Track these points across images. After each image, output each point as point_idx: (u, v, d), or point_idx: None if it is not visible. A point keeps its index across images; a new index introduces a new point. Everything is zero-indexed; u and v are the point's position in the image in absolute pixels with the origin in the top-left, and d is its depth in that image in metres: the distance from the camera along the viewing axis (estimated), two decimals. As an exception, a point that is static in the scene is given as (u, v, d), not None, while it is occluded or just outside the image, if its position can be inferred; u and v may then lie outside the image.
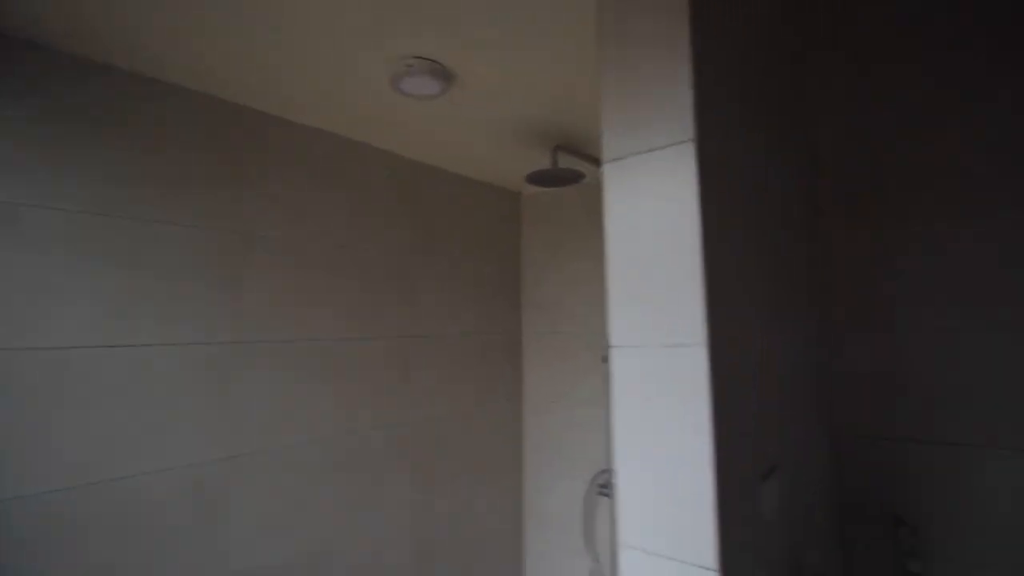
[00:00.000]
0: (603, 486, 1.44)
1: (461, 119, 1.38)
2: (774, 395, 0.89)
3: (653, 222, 0.72)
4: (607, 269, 0.76)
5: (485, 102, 1.28)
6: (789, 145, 1.15)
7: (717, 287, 0.70)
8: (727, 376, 0.70)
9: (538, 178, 1.49)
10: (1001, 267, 1.11)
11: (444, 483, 1.63)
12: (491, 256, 1.89)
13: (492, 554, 1.75)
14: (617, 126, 0.79)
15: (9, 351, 0.95)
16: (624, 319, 0.73)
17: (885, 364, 1.22)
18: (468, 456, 1.72)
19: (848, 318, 1.27)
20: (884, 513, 1.19)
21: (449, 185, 1.76)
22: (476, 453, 1.75)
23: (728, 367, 0.70)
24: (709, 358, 0.65)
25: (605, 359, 1.24)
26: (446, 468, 1.64)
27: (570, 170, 1.44)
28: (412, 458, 1.56)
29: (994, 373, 1.10)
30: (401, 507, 1.52)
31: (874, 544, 1.20)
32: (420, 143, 1.54)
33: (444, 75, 1.11)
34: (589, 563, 1.46)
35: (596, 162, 1.48)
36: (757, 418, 0.79)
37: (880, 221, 1.25)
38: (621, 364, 0.73)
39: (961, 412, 1.13)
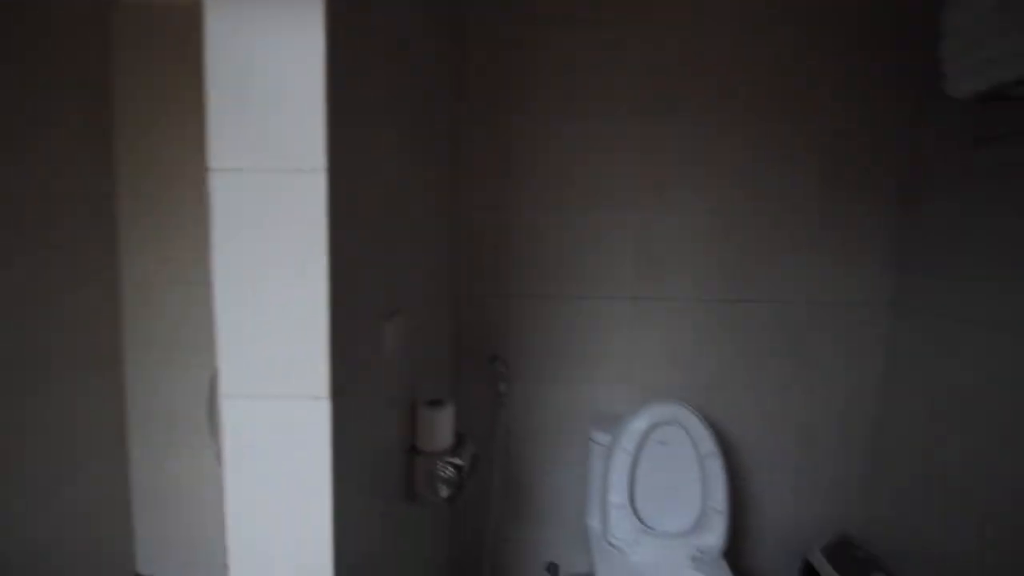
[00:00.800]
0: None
1: None
2: (404, 244, 0.92)
3: (266, 16, 0.58)
4: (205, 68, 0.59)
5: None
6: (436, 23, 1.13)
7: (345, 112, 0.63)
8: (350, 211, 0.66)
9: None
10: (576, 163, 1.42)
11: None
12: (62, 87, 1.32)
13: (86, 467, 1.40)
14: None
15: None
16: (226, 135, 0.59)
17: (494, 236, 1.45)
18: (32, 358, 1.26)
19: (472, 196, 1.44)
20: (485, 352, 1.47)
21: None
22: (46, 352, 1.30)
23: (351, 200, 0.66)
24: (329, 187, 0.59)
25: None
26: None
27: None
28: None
29: (562, 243, 1.44)
30: None
31: (478, 375, 1.47)
32: None
33: None
34: (215, 449, 1.33)
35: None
36: (382, 260, 0.80)
37: (507, 113, 1.41)
38: (224, 192, 0.59)
39: (540, 272, 1.46)
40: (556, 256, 1.45)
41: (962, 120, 1.21)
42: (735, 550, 1.52)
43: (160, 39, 1.43)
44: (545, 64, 1.40)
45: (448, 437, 0.97)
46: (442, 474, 0.95)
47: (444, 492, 0.95)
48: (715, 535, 1.27)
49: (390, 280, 0.85)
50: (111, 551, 1.54)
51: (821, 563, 1.39)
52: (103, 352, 1.46)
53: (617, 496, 1.29)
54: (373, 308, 0.76)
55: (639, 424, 1.30)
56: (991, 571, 1.12)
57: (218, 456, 0.71)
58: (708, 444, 1.29)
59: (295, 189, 0.59)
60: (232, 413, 0.60)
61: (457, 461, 0.95)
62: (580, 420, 1.50)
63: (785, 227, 1.43)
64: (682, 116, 1.40)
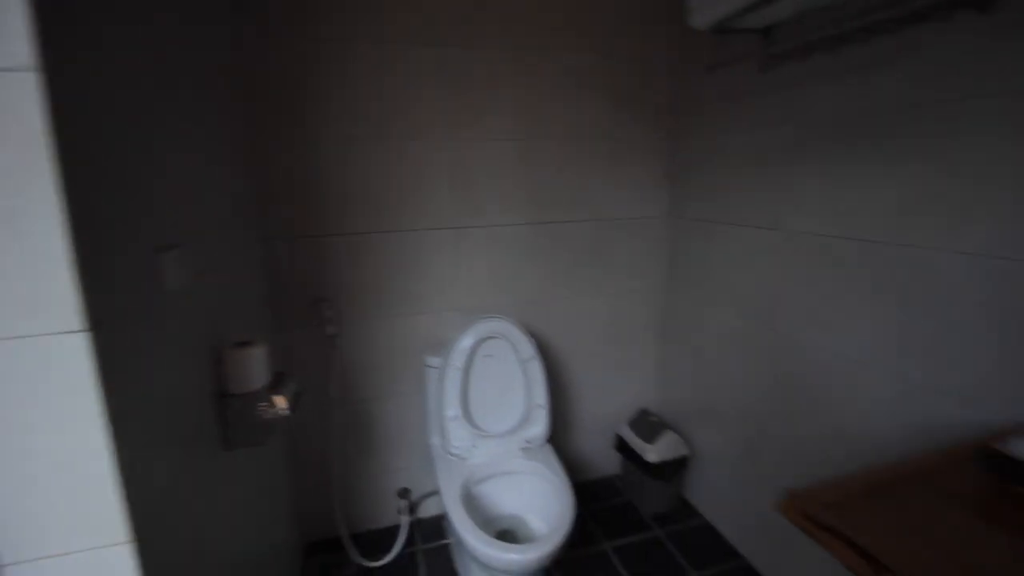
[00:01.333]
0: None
1: None
2: (183, 173, 0.83)
3: None
4: None
5: None
6: None
7: (65, 6, 0.54)
8: (92, 122, 0.57)
9: None
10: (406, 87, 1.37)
11: None
12: None
13: None
14: None
15: None
16: None
17: (304, 174, 1.36)
18: None
19: (275, 131, 1.32)
20: (308, 294, 1.41)
21: None
22: None
23: (92, 111, 0.57)
24: (50, 89, 0.50)
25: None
26: None
27: None
28: None
29: (378, 178, 1.41)
30: None
31: (304, 318, 1.42)
32: None
33: None
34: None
35: None
36: (152, 187, 0.71)
37: (292, 35, 1.29)
38: None
39: (357, 209, 1.42)
40: (374, 192, 1.42)
41: (704, 50, 1.44)
42: (563, 438, 1.75)
43: None
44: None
45: (263, 377, 0.94)
46: (261, 414, 0.92)
47: (266, 431, 0.93)
48: (540, 426, 1.44)
49: (166, 210, 0.76)
50: None
51: (627, 433, 1.68)
52: None
53: (452, 410, 1.38)
54: (143, 238, 0.68)
55: (466, 342, 1.39)
56: (743, 413, 1.46)
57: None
58: (528, 350, 1.43)
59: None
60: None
61: (276, 398, 0.93)
62: (415, 350, 1.54)
63: (585, 151, 1.58)
64: (489, 46, 1.44)
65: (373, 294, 1.48)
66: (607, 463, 1.85)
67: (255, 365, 0.92)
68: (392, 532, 1.57)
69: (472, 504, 1.27)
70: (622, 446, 1.71)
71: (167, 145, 0.79)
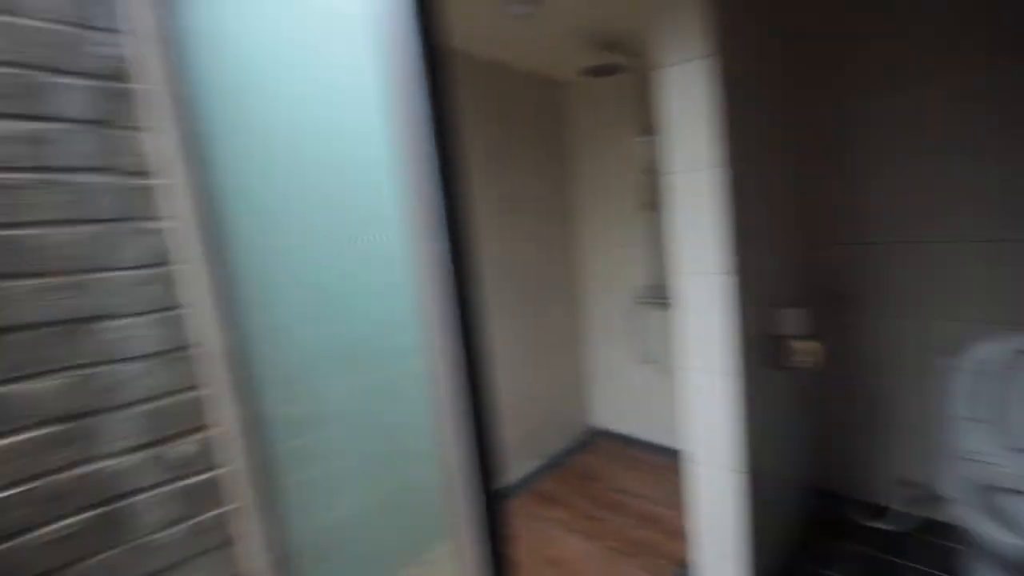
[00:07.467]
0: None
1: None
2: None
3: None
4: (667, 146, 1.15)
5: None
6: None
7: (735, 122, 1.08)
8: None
9: (590, 71, 1.92)
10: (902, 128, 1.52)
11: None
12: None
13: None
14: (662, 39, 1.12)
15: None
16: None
17: (839, 197, 1.66)
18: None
19: (816, 168, 1.68)
20: (832, 292, 1.70)
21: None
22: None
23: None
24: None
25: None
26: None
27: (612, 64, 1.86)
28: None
29: (906, 192, 1.54)
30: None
31: (827, 311, 1.71)
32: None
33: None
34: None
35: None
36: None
37: (836, 94, 1.60)
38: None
39: (881, 222, 1.60)
40: (902, 203, 1.55)
41: None
42: None
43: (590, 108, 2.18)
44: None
45: (794, 328, 1.37)
46: (789, 349, 1.37)
47: (792, 362, 1.36)
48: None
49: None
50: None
51: None
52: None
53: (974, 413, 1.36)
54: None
55: (995, 349, 1.36)
56: None
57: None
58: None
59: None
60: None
61: (800, 343, 1.35)
62: (930, 350, 1.56)
63: None
64: None
65: (885, 298, 1.62)
66: None
67: (791, 319, 1.36)
68: (881, 509, 1.68)
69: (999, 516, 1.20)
70: None
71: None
